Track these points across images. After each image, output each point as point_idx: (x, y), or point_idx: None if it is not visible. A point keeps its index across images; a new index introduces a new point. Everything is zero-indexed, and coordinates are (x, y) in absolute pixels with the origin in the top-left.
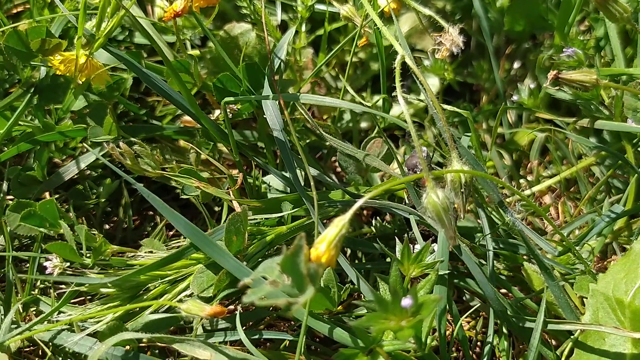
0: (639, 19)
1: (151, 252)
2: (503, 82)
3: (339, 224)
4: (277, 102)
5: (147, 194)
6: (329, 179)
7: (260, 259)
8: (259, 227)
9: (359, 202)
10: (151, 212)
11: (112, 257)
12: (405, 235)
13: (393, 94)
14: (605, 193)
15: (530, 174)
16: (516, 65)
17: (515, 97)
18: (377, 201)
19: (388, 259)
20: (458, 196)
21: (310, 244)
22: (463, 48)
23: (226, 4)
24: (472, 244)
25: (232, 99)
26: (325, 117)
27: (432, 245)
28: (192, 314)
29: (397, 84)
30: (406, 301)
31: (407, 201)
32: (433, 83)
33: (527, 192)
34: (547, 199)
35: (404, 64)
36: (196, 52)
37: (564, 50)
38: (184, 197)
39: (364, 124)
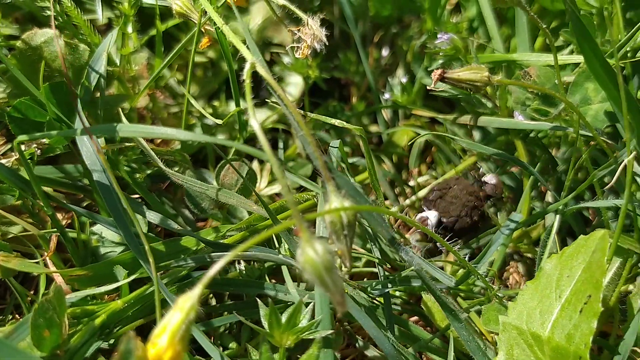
0: None
1: None
2: (374, 73)
3: (184, 306)
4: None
5: None
6: (174, 225)
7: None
8: (83, 307)
9: (214, 269)
10: None
11: None
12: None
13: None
14: None
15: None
16: (385, 52)
17: (387, 95)
18: (242, 253)
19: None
20: (340, 240)
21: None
22: (327, 43)
23: (32, 4)
24: (359, 284)
25: (25, 137)
26: None
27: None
28: None
29: (249, 102)
30: None
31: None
32: (297, 82)
33: (413, 198)
34: None
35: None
36: None
37: (438, 36)
38: None
39: (220, 136)
